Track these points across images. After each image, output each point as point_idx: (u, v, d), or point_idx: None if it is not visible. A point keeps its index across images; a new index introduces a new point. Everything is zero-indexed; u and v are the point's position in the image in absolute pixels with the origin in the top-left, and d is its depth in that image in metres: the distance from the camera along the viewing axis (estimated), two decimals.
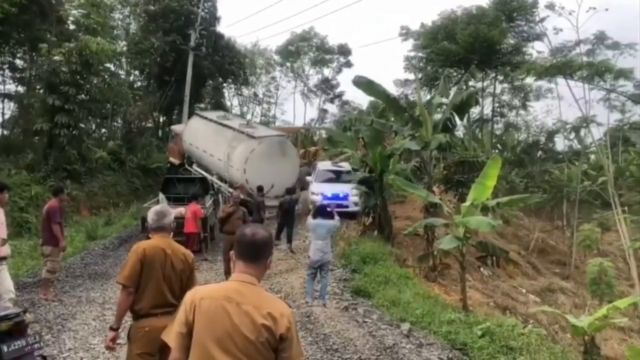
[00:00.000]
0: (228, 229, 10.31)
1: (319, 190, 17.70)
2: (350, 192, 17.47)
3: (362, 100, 50.86)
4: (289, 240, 13.94)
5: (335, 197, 16.93)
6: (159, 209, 4.35)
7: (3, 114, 25.94)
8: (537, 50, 30.98)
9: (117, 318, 4.05)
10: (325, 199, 15.64)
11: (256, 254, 2.53)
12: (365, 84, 14.47)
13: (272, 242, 2.68)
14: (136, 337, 3.91)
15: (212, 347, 2.36)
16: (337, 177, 18.95)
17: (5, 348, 4.25)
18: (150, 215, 4.23)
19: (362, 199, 17.18)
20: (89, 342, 6.62)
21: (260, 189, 14.59)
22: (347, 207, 16.90)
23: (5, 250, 6.27)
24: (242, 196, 14.73)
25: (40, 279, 9.04)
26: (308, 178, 19.58)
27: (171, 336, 2.55)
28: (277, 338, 2.37)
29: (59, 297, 8.69)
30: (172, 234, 4.31)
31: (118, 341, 4.88)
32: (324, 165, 20.92)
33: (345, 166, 20.02)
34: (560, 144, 31.52)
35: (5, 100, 25.29)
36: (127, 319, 4.17)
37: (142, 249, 3.98)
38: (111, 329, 4.08)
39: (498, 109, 34.60)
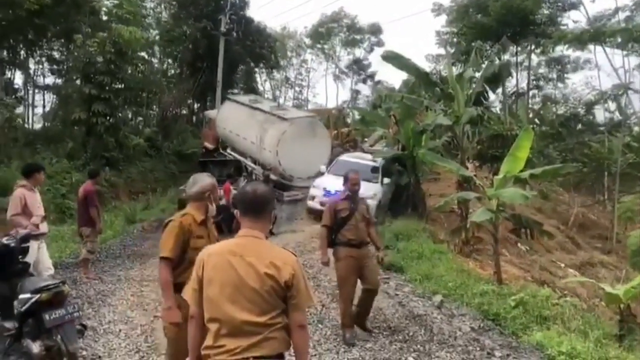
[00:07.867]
0: (351, 238, 6.05)
1: (321, 184, 14.62)
2: (366, 194, 14.50)
3: (395, 80, 50.29)
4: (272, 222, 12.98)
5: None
6: (196, 175, 4.31)
7: (44, 105, 26.92)
8: (573, 20, 29.99)
9: (170, 294, 3.77)
10: (327, 195, 13.11)
11: (259, 210, 2.67)
12: (394, 59, 14.23)
13: (273, 197, 2.82)
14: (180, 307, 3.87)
15: (221, 299, 2.49)
16: (361, 172, 15.07)
17: (47, 317, 4.50)
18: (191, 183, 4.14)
19: (382, 201, 14.88)
20: (127, 315, 6.90)
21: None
22: None
23: (44, 227, 6.54)
24: (273, 176, 14.86)
25: (80, 259, 9.40)
26: (322, 168, 16.47)
27: (187, 293, 2.69)
28: (283, 285, 2.49)
29: (98, 275, 9.05)
30: None
31: (156, 314, 4.95)
32: (348, 156, 17.76)
33: (376, 159, 16.56)
34: (600, 115, 30.44)
35: (46, 92, 26.18)
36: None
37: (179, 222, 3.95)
38: (170, 308, 3.75)
39: (534, 82, 33.69)
